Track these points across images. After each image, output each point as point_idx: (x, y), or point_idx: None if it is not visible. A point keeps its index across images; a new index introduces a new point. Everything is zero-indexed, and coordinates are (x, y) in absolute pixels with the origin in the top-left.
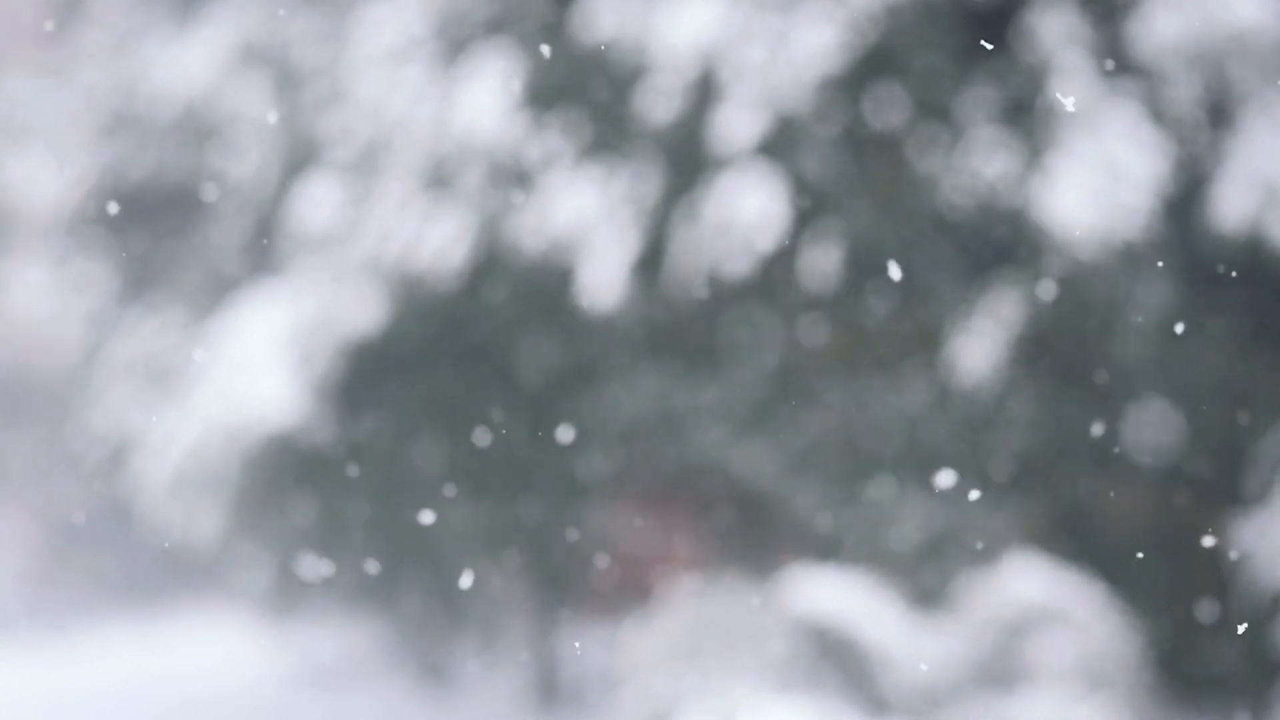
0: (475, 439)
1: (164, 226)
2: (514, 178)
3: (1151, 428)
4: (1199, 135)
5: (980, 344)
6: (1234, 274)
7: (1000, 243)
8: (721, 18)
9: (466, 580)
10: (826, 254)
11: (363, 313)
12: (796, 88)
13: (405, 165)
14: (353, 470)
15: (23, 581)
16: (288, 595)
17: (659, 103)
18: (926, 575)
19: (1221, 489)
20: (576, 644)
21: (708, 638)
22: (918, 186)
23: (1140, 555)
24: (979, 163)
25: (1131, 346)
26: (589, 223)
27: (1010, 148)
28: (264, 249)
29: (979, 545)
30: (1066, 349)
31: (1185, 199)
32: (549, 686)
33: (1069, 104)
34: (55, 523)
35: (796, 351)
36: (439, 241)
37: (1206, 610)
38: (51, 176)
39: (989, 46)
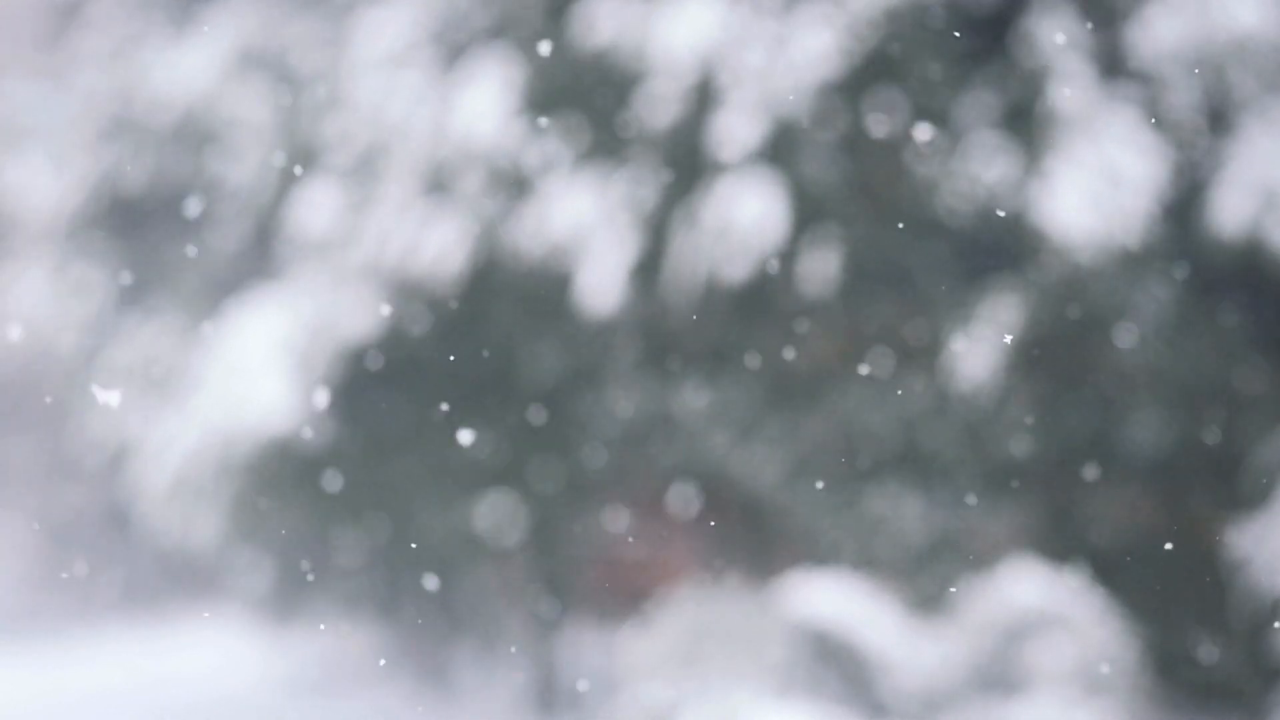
0: (474, 443)
1: (163, 231)
2: (513, 182)
3: (1150, 432)
4: (1198, 140)
5: (979, 349)
6: (1232, 279)
7: (999, 247)
8: (720, 22)
9: (465, 584)
10: (825, 259)
11: (361, 317)
12: (795, 92)
13: (404, 170)
14: (351, 474)
15: (21, 585)
16: (286, 599)
17: (657, 107)
18: (925, 580)
19: (1220, 493)
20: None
21: (706, 642)
22: (916, 191)
23: (1139, 560)
24: (978, 167)
25: (1130, 351)
26: (588, 227)
27: (1009, 152)
28: (263, 253)
29: (978, 550)
30: (1065, 354)
31: (1184, 204)
32: (548, 691)
33: (1068, 108)
34: (54, 527)
35: (795, 356)
36: (438, 246)
37: (1205, 615)
38: (50, 181)
39: (988, 50)
